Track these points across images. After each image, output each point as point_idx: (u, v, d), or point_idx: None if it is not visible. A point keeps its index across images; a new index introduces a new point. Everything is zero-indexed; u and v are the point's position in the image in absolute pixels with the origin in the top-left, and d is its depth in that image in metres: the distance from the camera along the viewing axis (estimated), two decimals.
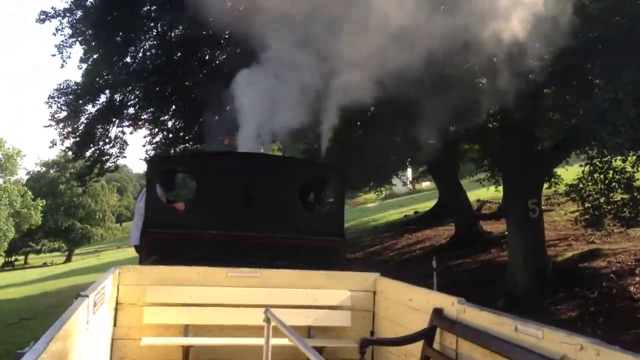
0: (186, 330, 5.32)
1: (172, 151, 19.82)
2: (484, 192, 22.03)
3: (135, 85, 16.11)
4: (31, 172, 71.22)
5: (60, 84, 16.81)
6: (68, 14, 15.61)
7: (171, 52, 15.48)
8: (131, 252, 42.35)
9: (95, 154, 18.90)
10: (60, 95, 16.67)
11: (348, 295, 5.66)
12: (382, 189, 31.77)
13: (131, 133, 22.15)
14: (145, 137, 19.07)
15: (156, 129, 19.08)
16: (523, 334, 3.43)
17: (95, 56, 16.14)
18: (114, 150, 19.29)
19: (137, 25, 15.18)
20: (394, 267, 17.54)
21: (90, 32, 15.38)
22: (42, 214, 63.09)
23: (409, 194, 47.88)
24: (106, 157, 19.49)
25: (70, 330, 3.14)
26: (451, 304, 4.30)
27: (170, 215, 6.95)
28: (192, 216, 6.90)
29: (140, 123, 18.55)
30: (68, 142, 18.57)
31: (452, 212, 20.50)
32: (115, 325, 5.16)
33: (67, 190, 67.37)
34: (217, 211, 6.70)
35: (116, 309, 5.18)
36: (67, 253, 67.29)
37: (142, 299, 5.24)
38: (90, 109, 17.15)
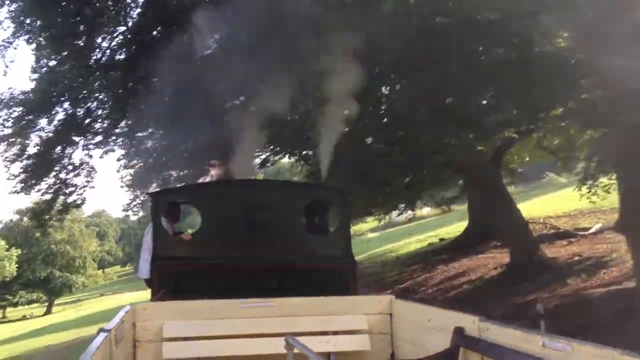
0: None
1: (154, 178, 15.87)
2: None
3: (101, 88, 12.04)
4: (3, 222, 66.13)
5: (1, 94, 12.59)
6: (7, 1, 11.54)
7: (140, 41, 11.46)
8: (114, 301, 37.64)
9: (56, 184, 14.53)
10: (2, 108, 12.44)
11: (365, 319, 5.49)
12: (383, 217, 27.88)
13: (101, 157, 17.49)
14: (119, 159, 14.94)
15: (132, 148, 14.83)
16: (551, 350, 3.30)
17: (49, 62, 12.08)
18: (80, 180, 15.04)
19: (92, 11, 11.19)
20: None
21: (37, 22, 11.25)
22: (17, 264, 58.19)
23: (409, 222, 44.02)
24: (70, 189, 15.15)
25: None
26: (472, 322, 4.11)
27: (178, 246, 6.92)
28: (200, 247, 6.80)
29: (111, 140, 14.35)
30: (16, 168, 14.11)
31: (503, 235, 16.35)
32: None
33: (43, 237, 62.49)
34: (222, 240, 6.67)
35: (134, 347, 5.11)
36: (47, 304, 62.02)
37: (160, 335, 5.14)
38: (45, 124, 12.92)
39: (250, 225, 6.82)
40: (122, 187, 15.21)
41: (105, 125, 13.63)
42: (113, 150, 14.25)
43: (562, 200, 23.56)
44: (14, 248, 58.07)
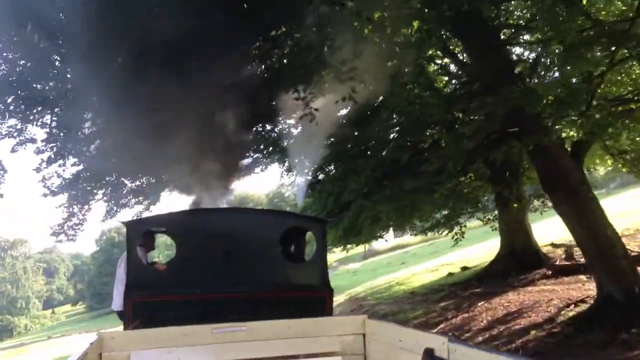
0: None
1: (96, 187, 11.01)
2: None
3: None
4: None
5: None
6: None
7: None
8: (60, 348, 31.61)
9: None
10: None
11: (338, 341, 5.33)
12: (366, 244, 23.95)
13: (14, 150, 11.71)
14: (41, 151, 9.83)
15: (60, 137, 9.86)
16: None
17: None
18: None
19: None
20: None
21: None
22: None
23: (391, 250, 39.56)
24: None
25: None
26: (442, 344, 3.93)
27: (153, 276, 6.76)
28: (174, 276, 6.57)
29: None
30: None
31: (588, 258, 11.86)
32: None
33: None
34: (198, 269, 6.49)
35: None
36: None
37: None
38: None
39: (227, 253, 6.57)
40: (45, 195, 10.06)
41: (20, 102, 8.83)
42: (33, 141, 9.41)
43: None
44: None
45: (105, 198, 11.98)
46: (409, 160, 11.47)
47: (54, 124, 9.05)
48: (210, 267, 6.56)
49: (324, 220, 7.71)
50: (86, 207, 11.46)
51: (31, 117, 8.95)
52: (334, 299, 23.38)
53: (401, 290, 18.37)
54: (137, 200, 12.65)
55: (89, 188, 11.10)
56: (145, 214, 13.07)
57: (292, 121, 14.55)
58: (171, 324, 5.31)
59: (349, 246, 18.45)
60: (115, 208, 12.42)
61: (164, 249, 47.14)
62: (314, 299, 6.74)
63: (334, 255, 40.38)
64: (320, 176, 15.22)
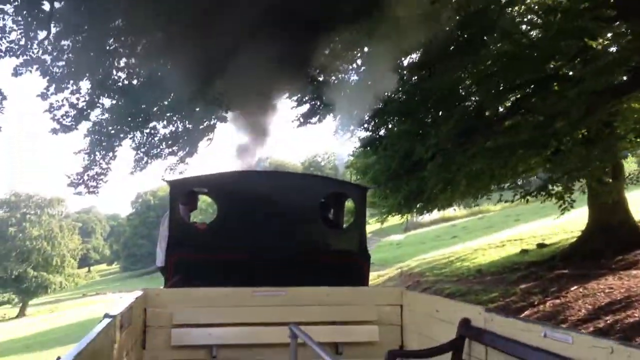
0: (214, 350, 5.08)
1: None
2: None
3: None
4: None
5: None
6: None
7: None
8: (93, 309, 30.62)
9: None
10: None
11: (375, 310, 5.41)
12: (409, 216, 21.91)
13: (17, 74, 9.62)
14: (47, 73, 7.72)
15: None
16: (552, 340, 3.24)
17: None
18: None
19: None
20: None
21: None
22: None
23: (434, 224, 37.08)
24: None
25: (97, 349, 3.08)
26: (478, 313, 4.02)
27: (194, 235, 6.71)
28: (215, 236, 6.46)
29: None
30: None
31: None
32: (144, 347, 4.97)
33: (18, 233, 55.12)
34: (239, 231, 6.38)
35: (144, 332, 5.00)
36: (21, 305, 54.71)
37: (170, 321, 5.06)
38: None
39: (267, 216, 6.41)
40: (55, 131, 7.93)
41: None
42: (40, 62, 7.28)
43: None
44: None
45: (133, 144, 9.92)
46: (510, 108, 9.07)
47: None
48: (251, 229, 6.42)
49: (365, 187, 7.27)
50: (110, 154, 9.42)
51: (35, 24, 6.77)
52: (384, 272, 21.07)
53: (464, 267, 15.99)
54: (170, 150, 10.56)
55: (113, 131, 9.03)
56: (180, 167, 11.08)
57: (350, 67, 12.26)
58: (210, 283, 5.35)
59: (391, 216, 16.16)
60: (145, 158, 10.36)
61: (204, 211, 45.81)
62: (351, 266, 6.56)
63: (369, 227, 38.11)
64: (382, 132, 12.94)
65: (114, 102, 8.89)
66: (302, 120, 12.03)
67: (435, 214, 34.03)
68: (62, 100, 7.54)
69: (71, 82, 7.34)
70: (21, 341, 23.22)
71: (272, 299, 5.30)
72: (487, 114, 11.17)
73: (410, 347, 5.19)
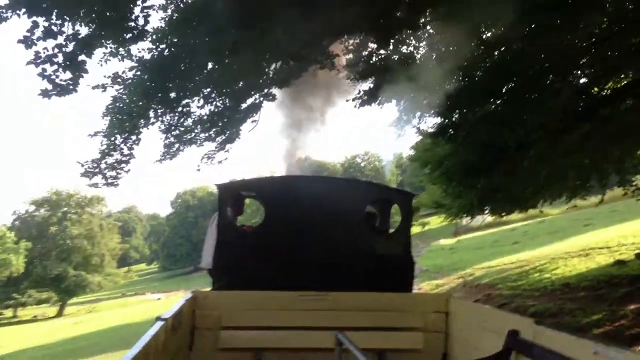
0: (260, 353, 5.13)
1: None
2: None
3: None
4: (17, 213, 58.44)
5: None
6: None
7: None
8: (131, 311, 29.23)
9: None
10: None
11: (420, 317, 5.32)
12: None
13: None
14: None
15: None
16: (604, 358, 3.01)
17: None
18: None
19: None
20: None
21: None
22: (26, 260, 50.51)
23: (488, 227, 34.47)
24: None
25: (149, 352, 3.18)
26: (528, 326, 3.77)
27: (242, 238, 6.61)
28: (262, 240, 6.36)
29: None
30: None
31: None
32: (191, 349, 4.98)
33: (59, 232, 54.76)
34: (285, 235, 6.25)
35: (192, 334, 5.02)
36: (60, 304, 54.35)
37: (218, 323, 5.13)
38: None
39: (313, 221, 6.26)
40: (47, 94, 6.03)
41: None
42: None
43: None
44: (23, 241, 50.43)
45: (162, 126, 8.05)
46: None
47: None
48: (297, 233, 6.29)
49: (411, 193, 7.01)
50: (133, 137, 7.60)
51: None
52: (442, 281, 18.65)
53: (545, 279, 13.56)
54: (207, 135, 8.68)
55: (135, 109, 7.17)
56: (219, 155, 9.19)
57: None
58: (257, 286, 5.35)
59: (458, 218, 14.02)
60: (176, 143, 8.50)
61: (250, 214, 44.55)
62: (395, 272, 6.34)
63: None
64: (455, 117, 10.80)
65: (136, 71, 7.03)
66: (366, 97, 9.97)
67: (488, 217, 31.67)
68: (54, 49, 5.70)
69: (66, 19, 5.40)
70: (56, 345, 21.81)
71: (317, 303, 5.33)
72: (595, 91, 8.96)
73: (455, 356, 5.12)
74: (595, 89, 8.88)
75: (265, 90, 7.95)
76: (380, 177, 77.54)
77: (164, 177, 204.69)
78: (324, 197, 6.52)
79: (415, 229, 38.02)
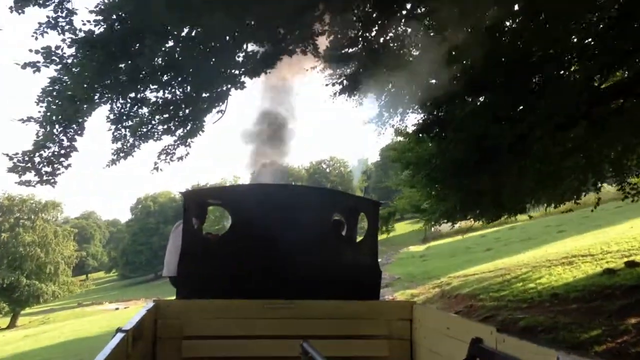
0: None
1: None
2: None
3: None
4: None
5: None
6: None
7: None
8: (85, 323, 27.56)
9: None
10: None
11: (385, 324, 5.36)
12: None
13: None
14: None
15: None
16: None
17: None
18: None
19: None
20: None
21: None
22: None
23: (457, 233, 33.87)
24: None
25: None
26: (490, 333, 3.89)
27: (207, 246, 6.51)
28: (228, 248, 6.24)
29: None
30: None
31: None
32: (154, 359, 4.92)
33: (11, 239, 52.01)
34: (251, 243, 6.15)
35: (154, 343, 4.94)
36: (12, 315, 51.59)
37: (181, 332, 5.04)
38: None
39: (280, 229, 6.10)
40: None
41: None
42: None
43: None
44: None
45: (112, 115, 6.83)
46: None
47: None
48: (263, 241, 6.11)
49: (378, 202, 6.72)
50: (75, 126, 6.36)
51: None
52: (416, 290, 17.71)
53: (530, 288, 12.72)
54: (165, 127, 7.48)
55: (77, 91, 5.96)
56: (179, 151, 8.01)
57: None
58: (221, 294, 5.33)
59: (438, 224, 13.19)
60: (129, 138, 7.26)
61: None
62: (362, 281, 6.18)
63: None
64: (441, 113, 9.86)
65: (78, 47, 5.82)
66: (346, 82, 8.93)
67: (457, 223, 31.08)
68: None
69: None
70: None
71: (283, 312, 5.28)
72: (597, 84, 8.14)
73: None
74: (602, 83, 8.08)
75: (236, 73, 6.81)
76: (346, 182, 76.70)
77: (125, 180, 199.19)
78: (291, 205, 6.45)
79: (381, 236, 37.04)
